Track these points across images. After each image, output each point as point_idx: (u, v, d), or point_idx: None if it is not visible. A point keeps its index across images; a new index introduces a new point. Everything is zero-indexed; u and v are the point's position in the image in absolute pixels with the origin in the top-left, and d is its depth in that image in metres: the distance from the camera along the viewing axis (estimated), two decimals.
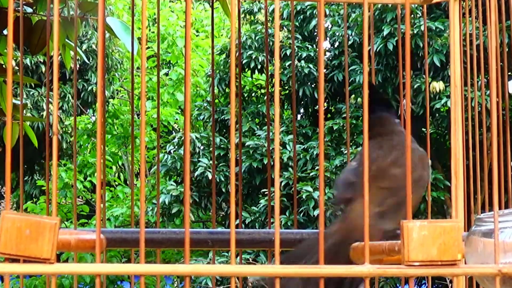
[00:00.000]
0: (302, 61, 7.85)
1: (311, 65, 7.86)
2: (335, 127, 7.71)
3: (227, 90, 8.34)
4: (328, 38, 8.18)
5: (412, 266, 0.78)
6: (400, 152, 1.50)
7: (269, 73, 7.42)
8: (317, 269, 0.78)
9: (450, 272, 0.78)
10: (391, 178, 1.46)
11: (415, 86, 7.31)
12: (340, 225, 1.39)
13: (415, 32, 7.18)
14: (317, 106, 7.95)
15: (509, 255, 0.88)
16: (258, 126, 8.14)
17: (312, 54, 7.93)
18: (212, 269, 0.80)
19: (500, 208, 1.43)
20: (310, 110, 8.34)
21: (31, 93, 8.78)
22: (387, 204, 1.43)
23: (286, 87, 8.27)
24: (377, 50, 7.40)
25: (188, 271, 0.78)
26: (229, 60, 8.01)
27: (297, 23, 8.15)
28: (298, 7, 8.08)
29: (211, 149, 7.90)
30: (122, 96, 10.05)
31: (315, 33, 8.19)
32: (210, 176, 7.68)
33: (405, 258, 0.78)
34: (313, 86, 7.96)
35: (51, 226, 0.76)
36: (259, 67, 8.03)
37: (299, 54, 7.90)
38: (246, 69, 8.09)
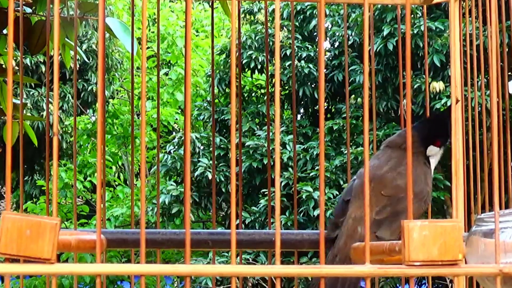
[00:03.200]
0: (302, 61, 7.85)
1: (311, 65, 7.85)
2: (335, 127, 7.70)
3: (227, 90, 8.33)
4: (328, 38, 8.17)
5: (413, 266, 0.78)
6: (399, 162, 1.50)
7: (269, 73, 7.42)
8: (317, 269, 0.78)
9: (451, 272, 0.78)
10: (393, 187, 1.46)
11: (415, 86, 7.31)
12: (343, 240, 1.40)
13: (415, 32, 7.17)
14: (317, 106, 7.95)
15: (509, 255, 0.88)
16: (258, 126, 8.13)
17: (312, 54, 7.92)
18: (212, 269, 0.80)
19: (500, 208, 1.43)
20: (310, 110, 8.33)
21: (31, 93, 8.78)
22: (386, 212, 1.43)
23: (286, 87, 8.27)
24: (377, 50, 7.40)
25: (189, 271, 0.78)
26: (229, 60, 8.00)
27: (297, 23, 8.14)
28: (298, 7, 8.07)
29: (211, 149, 7.90)
30: (122, 96, 10.05)
31: (315, 33, 8.18)
32: (210, 176, 7.68)
33: (405, 258, 0.78)
34: (313, 86, 7.95)
35: (51, 227, 0.76)
36: (259, 67, 8.02)
37: (299, 54, 7.89)
38: (246, 69, 8.08)
